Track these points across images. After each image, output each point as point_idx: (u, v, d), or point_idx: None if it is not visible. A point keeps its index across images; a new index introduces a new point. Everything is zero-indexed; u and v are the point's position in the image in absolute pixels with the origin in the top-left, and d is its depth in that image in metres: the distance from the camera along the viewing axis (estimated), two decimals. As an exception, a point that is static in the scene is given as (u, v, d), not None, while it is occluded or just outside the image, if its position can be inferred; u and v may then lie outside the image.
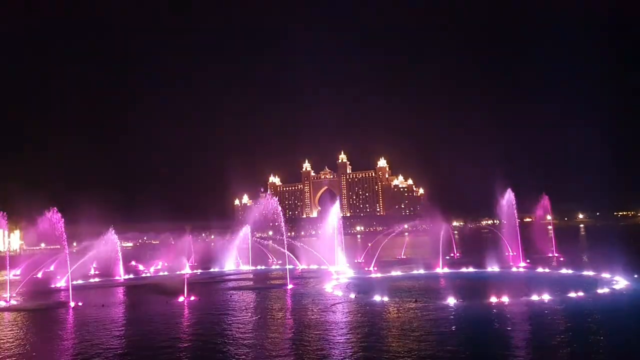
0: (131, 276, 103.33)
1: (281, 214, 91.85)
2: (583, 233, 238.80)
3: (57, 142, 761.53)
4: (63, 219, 68.17)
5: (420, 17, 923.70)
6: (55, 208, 67.73)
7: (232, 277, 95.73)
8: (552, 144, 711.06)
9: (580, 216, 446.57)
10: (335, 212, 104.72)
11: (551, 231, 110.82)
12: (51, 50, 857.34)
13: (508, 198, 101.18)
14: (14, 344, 41.14)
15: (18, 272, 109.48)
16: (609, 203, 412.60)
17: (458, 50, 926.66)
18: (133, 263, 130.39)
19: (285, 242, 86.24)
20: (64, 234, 67.72)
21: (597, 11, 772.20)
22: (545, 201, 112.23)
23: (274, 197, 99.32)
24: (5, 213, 76.20)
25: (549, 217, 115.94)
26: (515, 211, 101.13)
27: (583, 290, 53.32)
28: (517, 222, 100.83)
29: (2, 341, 42.24)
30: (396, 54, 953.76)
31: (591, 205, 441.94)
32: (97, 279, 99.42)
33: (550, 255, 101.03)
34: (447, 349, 33.80)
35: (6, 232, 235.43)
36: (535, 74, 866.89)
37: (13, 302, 65.75)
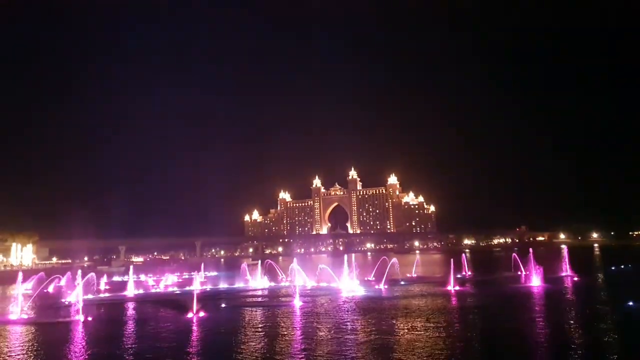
0: (141, 291, 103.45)
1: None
2: (598, 253, 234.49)
3: (64, 154, 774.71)
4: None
5: (430, 34, 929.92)
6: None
7: (241, 293, 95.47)
8: (566, 162, 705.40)
9: (595, 235, 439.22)
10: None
11: (565, 251, 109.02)
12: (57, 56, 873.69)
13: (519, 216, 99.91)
14: (23, 357, 41.25)
15: (29, 286, 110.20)
16: (624, 223, 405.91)
17: (469, 67, 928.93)
18: (143, 278, 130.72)
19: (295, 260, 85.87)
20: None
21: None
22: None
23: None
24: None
25: (562, 237, 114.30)
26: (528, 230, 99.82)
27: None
28: (530, 241, 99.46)
29: (12, 354, 42.40)
30: (406, 71, 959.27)
31: (606, 225, 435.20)
32: (107, 294, 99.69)
33: (564, 274, 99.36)
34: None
35: (19, 247, 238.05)
36: (547, 89, 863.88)
37: (24, 315, 66.11)
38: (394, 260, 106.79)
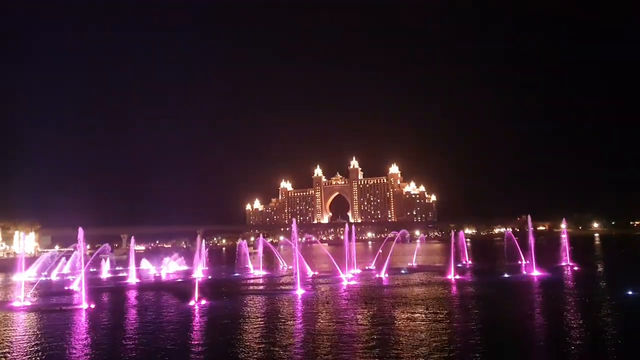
0: (143, 279, 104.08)
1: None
2: (598, 242, 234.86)
3: (66, 144, 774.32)
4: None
5: (432, 24, 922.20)
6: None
7: (243, 281, 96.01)
8: (567, 153, 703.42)
9: (595, 225, 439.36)
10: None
11: (565, 240, 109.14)
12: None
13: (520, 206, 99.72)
14: (26, 344, 41.67)
15: (33, 273, 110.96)
16: (625, 212, 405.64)
17: (471, 57, 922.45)
18: (145, 266, 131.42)
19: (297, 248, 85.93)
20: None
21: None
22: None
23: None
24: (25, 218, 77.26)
25: (563, 226, 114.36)
26: (529, 219, 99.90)
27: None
28: (530, 231, 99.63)
29: (15, 341, 42.81)
30: (409, 61, 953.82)
31: (607, 214, 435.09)
32: (110, 281, 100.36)
33: (564, 264, 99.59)
34: (460, 359, 33.49)
35: (22, 234, 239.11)
36: (546, 79, 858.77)
37: (27, 302, 66.63)
38: (404, 231, 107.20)
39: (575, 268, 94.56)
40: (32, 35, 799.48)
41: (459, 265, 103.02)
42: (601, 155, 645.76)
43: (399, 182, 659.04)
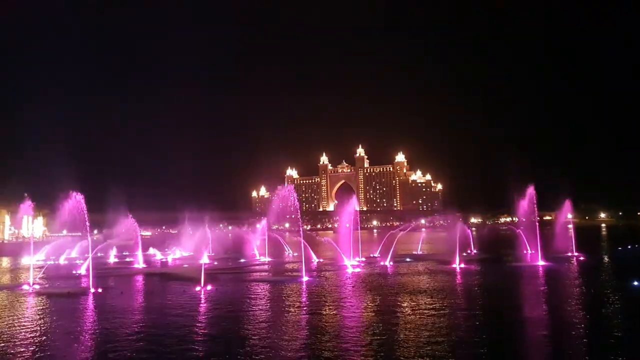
0: (150, 264, 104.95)
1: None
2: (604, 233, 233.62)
3: (72, 130, 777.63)
4: (85, 206, 69.94)
5: (438, 11, 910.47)
6: (77, 193, 69.75)
7: (248, 267, 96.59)
8: (575, 141, 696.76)
9: (602, 215, 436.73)
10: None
11: (571, 230, 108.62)
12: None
13: (528, 196, 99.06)
14: (35, 328, 42.29)
15: (42, 257, 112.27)
16: (632, 203, 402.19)
17: (477, 45, 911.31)
18: (152, 251, 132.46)
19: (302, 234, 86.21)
20: (87, 219, 69.75)
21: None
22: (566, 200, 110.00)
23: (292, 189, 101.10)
24: (32, 202, 77.61)
25: (569, 216, 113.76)
26: (536, 209, 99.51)
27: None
28: (536, 220, 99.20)
29: (24, 324, 43.45)
30: (415, 49, 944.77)
31: (614, 205, 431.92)
32: (117, 266, 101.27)
33: (570, 254, 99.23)
34: (463, 348, 33.62)
35: (30, 219, 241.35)
36: (556, 66, 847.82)
37: (36, 286, 67.48)
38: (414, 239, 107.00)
39: (581, 258, 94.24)
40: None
41: (464, 254, 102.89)
42: (610, 145, 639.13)
43: (405, 171, 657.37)
